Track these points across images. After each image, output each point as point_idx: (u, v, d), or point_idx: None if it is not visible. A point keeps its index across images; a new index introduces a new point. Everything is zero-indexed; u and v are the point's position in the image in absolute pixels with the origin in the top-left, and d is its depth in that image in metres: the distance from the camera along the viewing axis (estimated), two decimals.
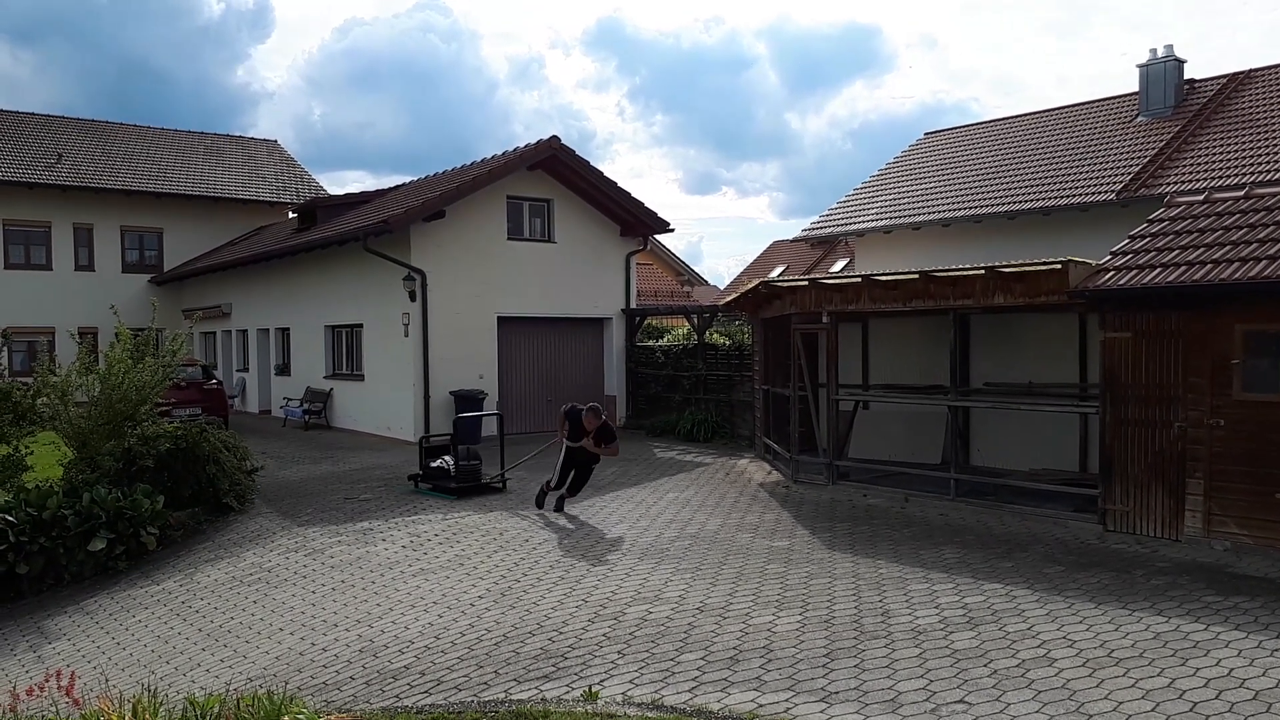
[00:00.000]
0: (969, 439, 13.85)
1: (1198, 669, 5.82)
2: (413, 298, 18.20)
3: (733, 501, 12.11)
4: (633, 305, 21.45)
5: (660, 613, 7.57)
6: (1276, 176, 14.94)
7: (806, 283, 13.47)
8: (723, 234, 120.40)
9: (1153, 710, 5.27)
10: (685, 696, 5.88)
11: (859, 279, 12.49)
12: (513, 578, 9.02)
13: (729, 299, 17.82)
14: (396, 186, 24.11)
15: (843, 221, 22.67)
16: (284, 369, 24.40)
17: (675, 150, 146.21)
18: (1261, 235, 9.17)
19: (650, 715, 5.55)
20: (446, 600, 8.54)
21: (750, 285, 14.94)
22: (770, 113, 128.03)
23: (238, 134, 35.52)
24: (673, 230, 21.73)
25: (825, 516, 11.05)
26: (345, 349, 21.57)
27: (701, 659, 6.51)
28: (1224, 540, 8.76)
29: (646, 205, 20.64)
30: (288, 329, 24.08)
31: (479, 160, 20.90)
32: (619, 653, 6.75)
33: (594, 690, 6.03)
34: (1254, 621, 6.64)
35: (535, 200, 20.06)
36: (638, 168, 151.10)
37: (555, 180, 20.06)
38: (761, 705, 5.67)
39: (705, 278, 47.64)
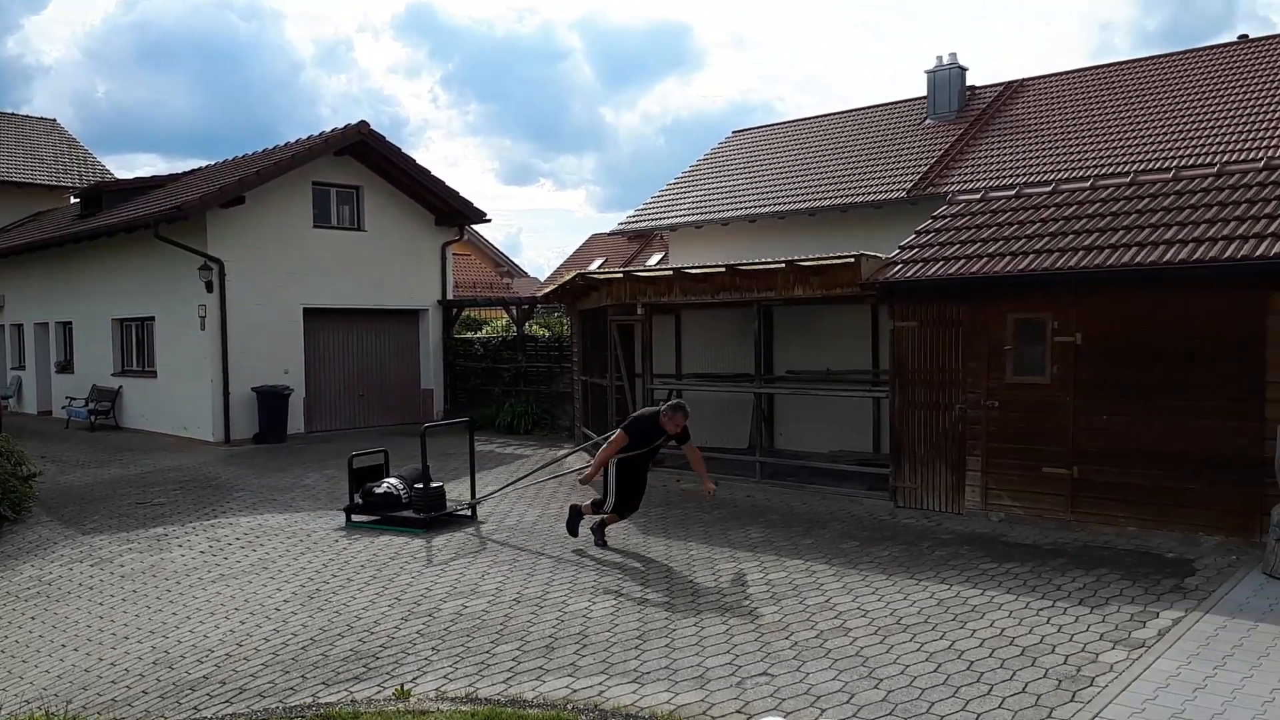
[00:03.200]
0: (774, 424, 14.50)
1: (974, 630, 6.35)
2: (210, 288, 17.23)
3: (551, 492, 12.16)
4: (449, 296, 21.13)
5: (476, 606, 7.53)
6: (1044, 178, 16.35)
7: (621, 275, 13.70)
8: (542, 225, 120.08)
9: (935, 670, 5.71)
10: (500, 688, 5.89)
11: (670, 272, 12.81)
12: (321, 579, 8.73)
13: (547, 291, 17.85)
14: (192, 171, 22.74)
15: (656, 216, 23.13)
16: (66, 366, 22.55)
17: (491, 140, 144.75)
18: (1029, 232, 10.06)
19: (463, 709, 5.53)
20: (249, 606, 8.17)
21: (568, 277, 15.03)
22: (585, 106, 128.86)
23: (9, 111, 32.28)
24: (489, 220, 21.62)
25: (641, 502, 11.25)
26: (135, 344, 20.15)
27: (517, 649, 6.53)
28: (999, 512, 9.56)
29: (462, 195, 20.36)
30: (70, 323, 22.25)
31: (283, 144, 19.97)
32: (433, 649, 6.67)
33: (406, 688, 5.94)
34: (1023, 585, 7.30)
35: (343, 187, 19.40)
36: (453, 156, 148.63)
37: (365, 167, 19.48)
38: (575, 691, 5.75)
39: (525, 269, 47.56)
